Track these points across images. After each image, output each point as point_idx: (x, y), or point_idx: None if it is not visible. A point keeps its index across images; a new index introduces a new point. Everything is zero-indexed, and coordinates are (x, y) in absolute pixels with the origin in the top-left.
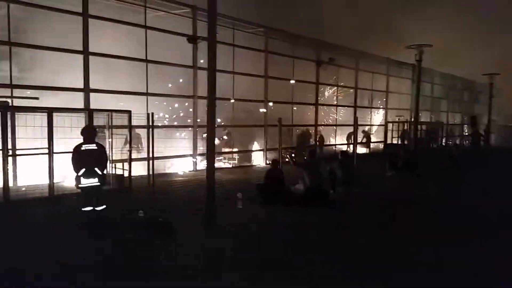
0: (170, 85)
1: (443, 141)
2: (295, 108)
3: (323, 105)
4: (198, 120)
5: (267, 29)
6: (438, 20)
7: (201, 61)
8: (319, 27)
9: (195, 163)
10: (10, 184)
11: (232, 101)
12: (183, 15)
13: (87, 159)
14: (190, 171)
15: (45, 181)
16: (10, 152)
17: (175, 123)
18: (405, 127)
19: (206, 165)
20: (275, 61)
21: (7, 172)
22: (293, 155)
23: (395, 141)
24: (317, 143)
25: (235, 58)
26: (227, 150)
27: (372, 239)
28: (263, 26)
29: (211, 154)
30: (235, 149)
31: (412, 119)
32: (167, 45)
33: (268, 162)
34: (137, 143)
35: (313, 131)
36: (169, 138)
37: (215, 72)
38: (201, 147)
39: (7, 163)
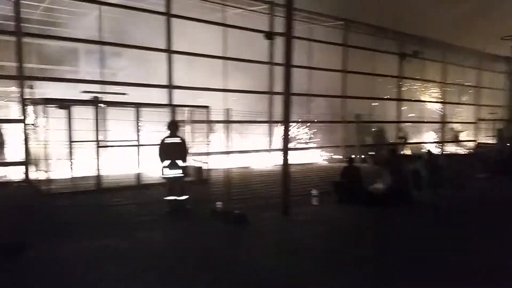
0: (246, 81)
1: None
2: (376, 104)
3: (406, 100)
4: (275, 115)
5: (347, 22)
6: None
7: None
8: (402, 19)
9: (271, 158)
10: (102, 173)
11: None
12: (260, 11)
13: (171, 151)
14: (266, 166)
15: (133, 170)
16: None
17: (253, 119)
18: (499, 126)
19: (282, 161)
20: (354, 55)
21: (99, 162)
22: (372, 153)
23: (487, 141)
24: (400, 140)
25: (312, 53)
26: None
27: (464, 248)
28: (342, 19)
29: (286, 149)
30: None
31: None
32: (244, 42)
33: (345, 160)
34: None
35: (396, 128)
36: (246, 133)
37: (290, 67)
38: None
39: (100, 153)
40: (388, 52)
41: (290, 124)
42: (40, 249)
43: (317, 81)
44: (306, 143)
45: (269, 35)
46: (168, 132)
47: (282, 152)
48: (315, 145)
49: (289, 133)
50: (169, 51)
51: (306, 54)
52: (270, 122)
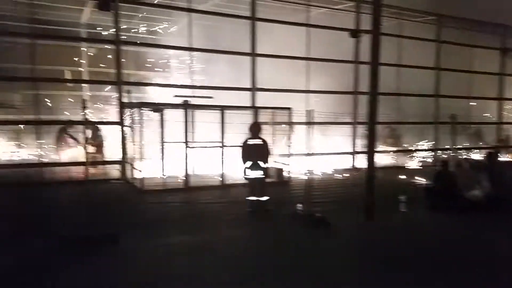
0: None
1: None
2: (473, 104)
3: (508, 99)
4: (359, 116)
5: (440, 17)
6: None
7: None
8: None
9: (354, 161)
10: (190, 172)
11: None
12: (346, 9)
13: (253, 152)
14: (348, 168)
15: (218, 171)
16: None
17: (336, 120)
18: None
19: (366, 163)
20: (449, 52)
21: (188, 162)
22: (468, 156)
23: None
24: (500, 143)
25: (402, 50)
26: (390, 148)
27: None
28: (434, 14)
29: (371, 151)
30: (399, 148)
31: None
32: (329, 42)
33: (438, 163)
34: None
35: (497, 130)
36: (329, 134)
37: (378, 65)
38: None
39: (188, 154)
40: (488, 48)
41: (376, 125)
42: (132, 241)
43: (407, 80)
44: (393, 145)
45: (355, 33)
46: (250, 134)
47: (367, 155)
48: (402, 148)
49: (374, 134)
50: (253, 54)
51: (395, 51)
52: (354, 123)
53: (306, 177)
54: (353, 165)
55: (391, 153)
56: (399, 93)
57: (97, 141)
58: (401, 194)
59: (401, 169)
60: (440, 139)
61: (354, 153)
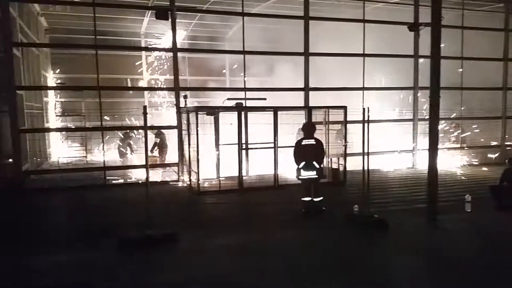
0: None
1: None
2: None
3: None
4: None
5: (508, 4)
6: None
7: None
8: None
9: (414, 160)
10: (244, 173)
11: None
12: (403, 2)
13: (307, 153)
14: (408, 167)
15: (271, 172)
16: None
17: (394, 117)
18: None
19: (428, 162)
20: None
21: (242, 163)
22: None
23: None
24: None
25: (465, 42)
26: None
27: None
28: (501, 1)
29: (433, 150)
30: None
31: None
32: (383, 37)
33: (506, 161)
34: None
35: None
36: (387, 132)
37: (439, 60)
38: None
39: (242, 155)
40: None
41: (438, 122)
42: (190, 241)
43: (471, 73)
44: (456, 142)
45: (414, 26)
46: (303, 134)
47: (429, 153)
48: (467, 145)
49: (436, 132)
50: (306, 54)
51: (458, 43)
52: (414, 120)
53: (363, 177)
54: (413, 164)
55: (455, 150)
56: (462, 87)
57: (162, 146)
58: (466, 194)
59: (466, 167)
60: (510, 134)
61: (414, 151)
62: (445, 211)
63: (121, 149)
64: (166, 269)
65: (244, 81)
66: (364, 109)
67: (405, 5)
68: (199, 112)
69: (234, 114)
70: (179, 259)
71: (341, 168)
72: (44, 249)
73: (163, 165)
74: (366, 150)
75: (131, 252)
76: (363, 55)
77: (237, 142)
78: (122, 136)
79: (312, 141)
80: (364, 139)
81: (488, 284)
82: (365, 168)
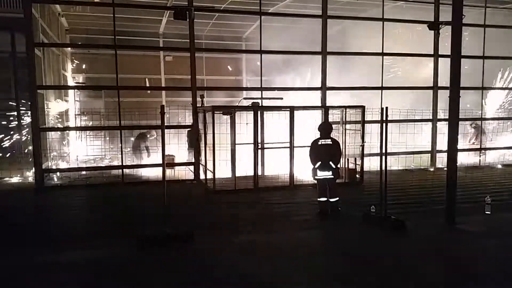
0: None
1: None
2: None
3: None
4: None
5: None
6: None
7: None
8: None
9: (433, 160)
10: (259, 173)
11: None
12: (423, 1)
13: (323, 153)
14: (425, 168)
15: (287, 171)
16: (260, 146)
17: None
18: None
19: (447, 162)
20: None
21: (257, 163)
22: None
23: None
24: None
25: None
26: (473, 146)
27: None
28: None
29: (452, 150)
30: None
31: None
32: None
33: None
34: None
35: None
36: (405, 133)
37: (460, 59)
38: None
39: (258, 155)
40: None
41: (458, 122)
42: (205, 240)
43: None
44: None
45: (434, 25)
46: (320, 134)
47: (448, 153)
48: (489, 146)
49: (456, 131)
50: (323, 53)
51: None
52: (434, 120)
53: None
54: (431, 164)
55: (476, 151)
56: (483, 87)
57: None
58: (486, 195)
59: (488, 168)
60: None
61: (434, 152)
62: (464, 212)
63: (139, 150)
64: (181, 267)
65: (261, 81)
66: (382, 108)
67: (426, 3)
68: (215, 112)
69: (251, 114)
70: (196, 257)
71: (359, 168)
72: (63, 245)
73: (179, 164)
74: (385, 150)
75: (147, 250)
76: (382, 54)
77: (253, 142)
78: (138, 137)
79: (328, 141)
80: (381, 139)
81: None
82: (384, 167)
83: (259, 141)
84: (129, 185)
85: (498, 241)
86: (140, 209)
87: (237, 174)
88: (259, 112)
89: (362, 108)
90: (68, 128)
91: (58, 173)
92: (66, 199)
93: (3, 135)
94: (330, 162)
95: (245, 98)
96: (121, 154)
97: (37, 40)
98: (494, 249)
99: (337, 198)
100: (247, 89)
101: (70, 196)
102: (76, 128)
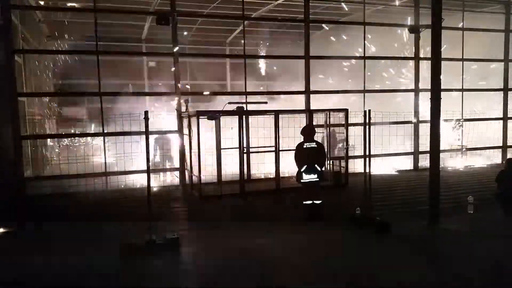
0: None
1: None
2: None
3: None
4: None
5: (508, 4)
6: None
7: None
8: None
9: (416, 162)
10: (245, 177)
11: None
12: (404, 5)
13: (308, 156)
14: (409, 169)
15: (273, 175)
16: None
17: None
18: None
19: (430, 163)
20: None
21: (243, 167)
22: None
23: None
24: None
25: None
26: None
27: None
28: (502, 2)
29: (435, 151)
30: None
31: None
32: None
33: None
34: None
35: None
36: (388, 135)
37: (440, 61)
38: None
39: (243, 159)
40: None
41: (439, 123)
42: (192, 244)
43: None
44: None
45: (414, 28)
46: (304, 137)
47: (431, 154)
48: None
49: (438, 132)
50: (306, 57)
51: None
52: (417, 122)
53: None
54: (415, 166)
55: (458, 152)
56: (463, 88)
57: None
58: (469, 195)
59: (471, 169)
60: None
61: (416, 153)
62: (448, 213)
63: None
64: (165, 271)
65: (245, 85)
66: (365, 111)
67: (405, 7)
68: (200, 117)
69: (236, 118)
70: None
71: (344, 171)
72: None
73: (164, 170)
74: (368, 152)
75: (133, 257)
76: (364, 57)
77: (238, 146)
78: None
79: (313, 144)
80: (365, 142)
81: None
82: (368, 170)
83: (245, 145)
84: (112, 192)
85: (479, 240)
86: (128, 216)
87: (224, 179)
88: (244, 116)
89: (346, 111)
90: (50, 136)
91: (39, 181)
92: (48, 207)
93: None
94: (316, 165)
95: (229, 103)
96: (105, 160)
97: (17, 46)
98: (473, 247)
99: (321, 201)
100: (231, 93)
101: (52, 204)
102: (59, 136)
